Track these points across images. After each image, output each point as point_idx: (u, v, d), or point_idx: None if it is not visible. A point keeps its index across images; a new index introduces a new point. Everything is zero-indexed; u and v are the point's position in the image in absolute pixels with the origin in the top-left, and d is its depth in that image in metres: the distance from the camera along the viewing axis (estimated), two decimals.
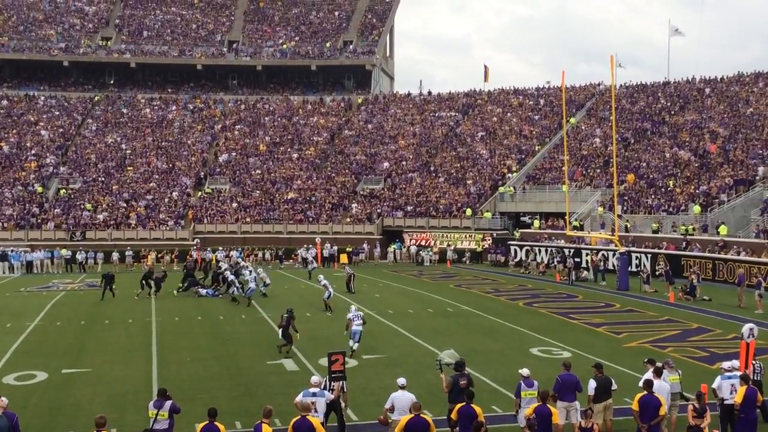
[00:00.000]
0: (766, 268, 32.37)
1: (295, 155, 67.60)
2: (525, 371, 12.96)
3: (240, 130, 72.30)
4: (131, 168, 64.63)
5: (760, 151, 47.76)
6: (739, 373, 13.17)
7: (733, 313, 27.81)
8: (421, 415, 10.95)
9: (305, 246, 51.10)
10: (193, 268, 38.51)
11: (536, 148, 62.37)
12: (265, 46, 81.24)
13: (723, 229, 39.64)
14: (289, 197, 60.45)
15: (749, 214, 41.21)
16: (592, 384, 12.97)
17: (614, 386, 13.28)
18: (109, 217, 56.48)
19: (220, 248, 49.85)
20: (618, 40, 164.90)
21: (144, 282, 34.12)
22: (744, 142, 50.15)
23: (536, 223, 52.11)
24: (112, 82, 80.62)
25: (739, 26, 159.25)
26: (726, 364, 13.81)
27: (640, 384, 12.63)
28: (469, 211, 54.92)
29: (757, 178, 44.31)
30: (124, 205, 58.69)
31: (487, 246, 52.19)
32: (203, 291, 34.84)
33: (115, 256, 47.89)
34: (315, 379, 12.73)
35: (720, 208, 42.76)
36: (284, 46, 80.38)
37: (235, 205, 59.64)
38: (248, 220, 57.39)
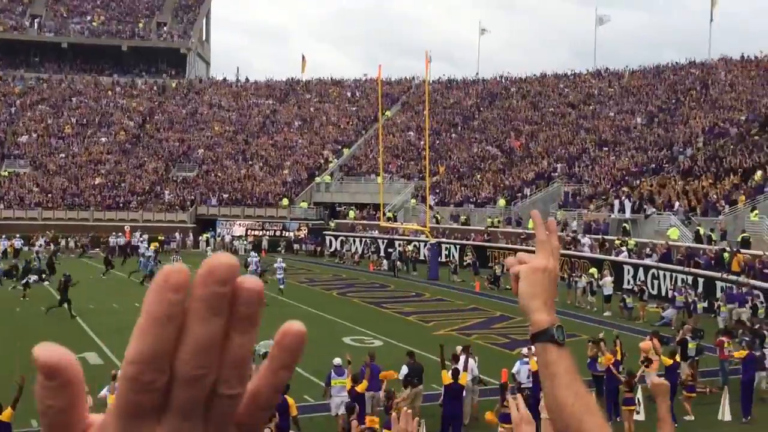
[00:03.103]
0: (560, 259, 34.66)
1: (104, 139, 64.39)
2: (337, 360, 13.11)
3: (42, 111, 67.80)
4: None
5: (560, 149, 51.02)
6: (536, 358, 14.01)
7: None
8: None
9: (113, 234, 48.85)
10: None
11: (353, 139, 63.18)
12: (72, 22, 76.64)
13: (531, 223, 41.96)
14: (96, 182, 57.52)
15: (548, 208, 43.88)
16: (404, 369, 13.40)
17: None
18: None
19: (17, 236, 46.57)
20: (434, 38, 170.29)
21: None
22: (545, 140, 53.38)
23: (351, 213, 52.81)
24: None
25: (546, 30, 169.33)
26: (525, 350, 14.64)
27: (450, 372, 13.12)
28: (285, 201, 54.75)
29: (556, 174, 47.33)
30: None
31: (302, 236, 52.27)
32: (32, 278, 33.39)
33: None
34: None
35: (523, 202, 45.28)
36: (94, 23, 76.26)
37: (36, 189, 55.91)
38: (51, 205, 54.04)
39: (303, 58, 78.95)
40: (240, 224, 53.80)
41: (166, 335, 0.57)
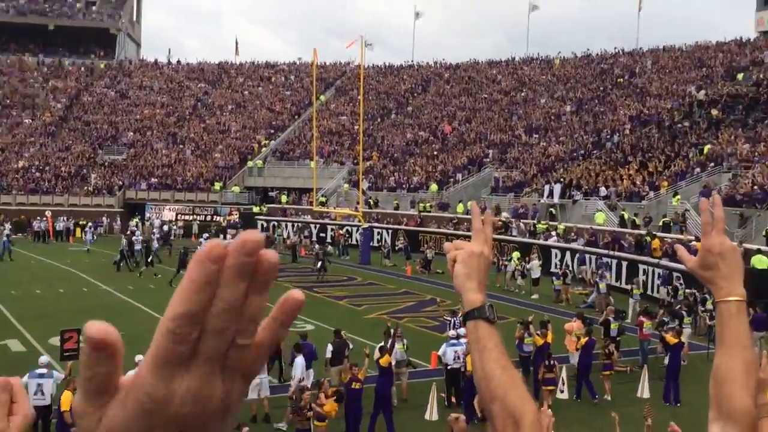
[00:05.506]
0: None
1: (28, 120, 62.49)
2: None
3: None
4: None
5: (491, 135, 51.62)
6: (464, 341, 14.23)
7: None
8: None
9: (37, 218, 47.54)
10: None
11: (286, 123, 62.74)
12: None
13: (460, 207, 42.39)
14: (19, 165, 55.81)
15: (480, 193, 44.43)
16: (329, 348, 13.63)
17: (351, 346, 14.10)
18: None
19: None
20: (369, 21, 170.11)
21: None
22: (477, 126, 53.94)
23: (284, 198, 52.49)
24: None
25: (481, 15, 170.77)
26: (451, 333, 14.87)
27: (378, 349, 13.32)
28: (217, 185, 54.10)
29: (487, 160, 47.89)
30: None
31: (233, 221, 51.66)
32: None
33: None
34: (43, 359, 12.09)
35: (455, 187, 45.71)
36: (20, 0, 73.67)
37: None
38: None
39: (236, 40, 78.12)
40: (170, 209, 52.92)
41: (202, 297, 0.70)
